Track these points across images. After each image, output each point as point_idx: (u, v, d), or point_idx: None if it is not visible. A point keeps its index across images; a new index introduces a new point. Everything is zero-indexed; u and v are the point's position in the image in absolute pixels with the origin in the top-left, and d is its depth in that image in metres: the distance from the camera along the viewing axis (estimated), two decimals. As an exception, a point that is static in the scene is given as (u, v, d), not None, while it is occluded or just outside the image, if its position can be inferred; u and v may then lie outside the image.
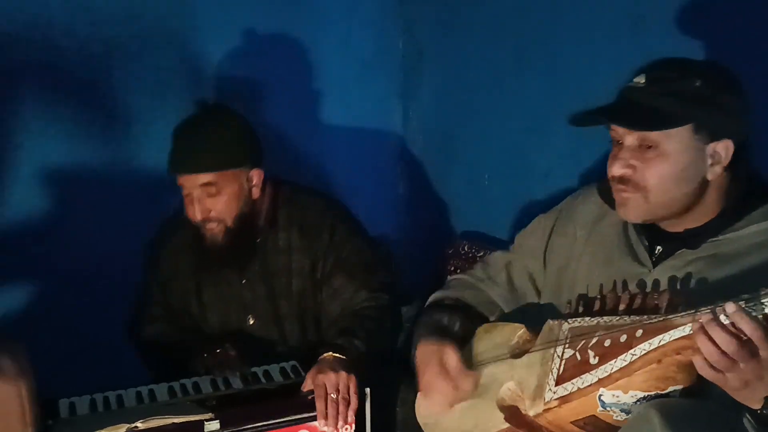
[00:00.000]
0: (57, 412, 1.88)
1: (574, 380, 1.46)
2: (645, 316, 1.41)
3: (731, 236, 1.50)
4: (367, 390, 1.95)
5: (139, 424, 1.77)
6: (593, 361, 1.43)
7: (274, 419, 1.86)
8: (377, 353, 2.07)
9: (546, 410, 1.49)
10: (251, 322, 2.24)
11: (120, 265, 2.51)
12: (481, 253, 2.63)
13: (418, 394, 1.81)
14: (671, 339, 1.34)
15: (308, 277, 2.22)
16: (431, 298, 1.92)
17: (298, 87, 2.95)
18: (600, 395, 1.41)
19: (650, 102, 1.48)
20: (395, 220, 3.19)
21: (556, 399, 1.48)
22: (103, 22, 2.60)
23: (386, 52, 3.06)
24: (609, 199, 1.63)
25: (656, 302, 1.41)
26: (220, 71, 2.78)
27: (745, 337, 1.24)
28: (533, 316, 1.71)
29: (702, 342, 1.27)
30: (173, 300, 2.27)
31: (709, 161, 1.48)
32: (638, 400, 1.39)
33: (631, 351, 1.38)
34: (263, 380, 2.02)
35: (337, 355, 1.98)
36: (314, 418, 1.89)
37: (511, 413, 1.59)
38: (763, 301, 1.25)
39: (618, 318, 1.45)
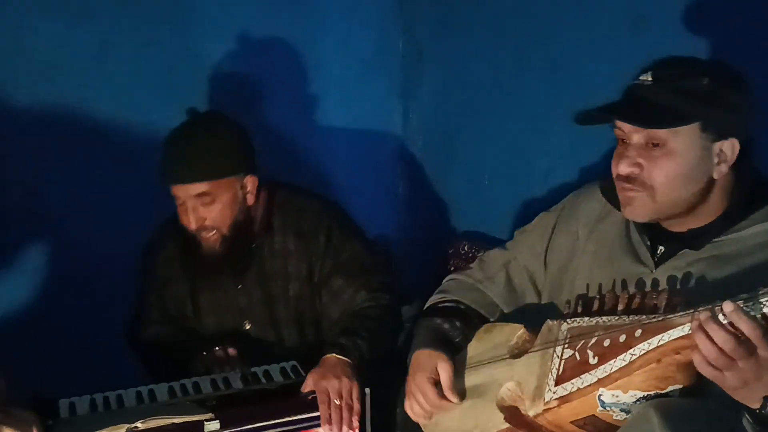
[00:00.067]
0: (57, 412, 1.87)
1: (573, 380, 1.45)
2: (644, 316, 1.41)
3: (734, 237, 1.50)
4: (367, 390, 1.95)
5: (139, 424, 1.77)
6: (593, 361, 1.43)
7: (274, 419, 1.86)
8: (379, 353, 2.07)
9: (546, 410, 1.49)
10: (247, 327, 2.24)
11: (120, 266, 2.51)
12: (481, 253, 2.63)
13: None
14: (670, 339, 1.34)
15: (305, 281, 2.21)
16: (429, 301, 1.91)
17: (298, 87, 2.95)
18: (600, 395, 1.41)
19: (658, 99, 1.47)
20: (395, 220, 3.19)
21: (555, 399, 1.48)
22: (102, 21, 2.60)
23: (386, 52, 3.06)
24: (612, 198, 1.63)
25: (655, 302, 1.41)
26: (220, 71, 2.78)
27: (743, 336, 1.24)
28: (533, 316, 1.71)
29: (700, 340, 1.27)
30: (169, 304, 2.27)
31: (716, 160, 1.48)
32: (638, 400, 1.39)
33: (631, 351, 1.38)
34: (263, 380, 2.01)
35: (341, 357, 1.97)
36: (316, 420, 1.89)
37: (511, 413, 1.59)
38: (761, 300, 1.25)
39: (617, 318, 1.45)
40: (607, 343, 1.42)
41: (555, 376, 1.50)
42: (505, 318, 1.82)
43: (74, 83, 2.61)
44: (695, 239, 1.53)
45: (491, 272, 1.87)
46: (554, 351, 1.52)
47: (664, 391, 1.37)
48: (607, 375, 1.40)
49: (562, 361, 1.50)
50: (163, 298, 2.27)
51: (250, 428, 1.84)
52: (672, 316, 1.36)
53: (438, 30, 2.90)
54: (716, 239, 1.51)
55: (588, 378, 1.43)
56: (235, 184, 2.11)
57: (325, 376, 1.92)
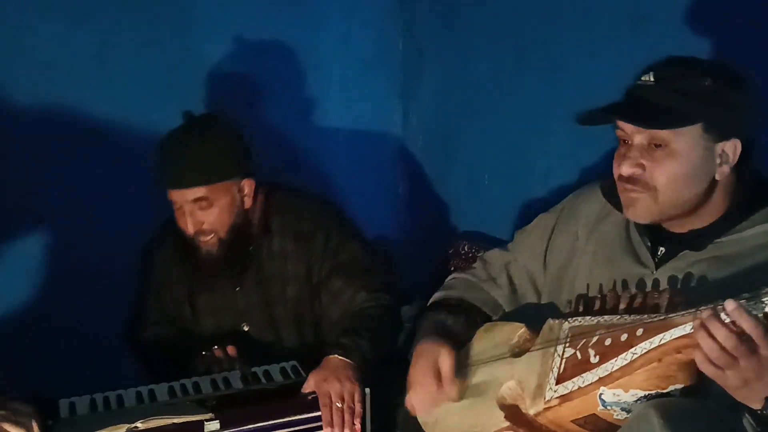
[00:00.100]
0: (57, 412, 1.87)
1: (574, 379, 1.45)
2: (645, 315, 1.41)
3: (734, 237, 1.50)
4: (367, 390, 1.95)
5: (139, 424, 1.77)
6: (594, 360, 1.43)
7: (274, 419, 1.86)
8: (380, 353, 2.06)
9: (546, 409, 1.49)
10: (246, 329, 2.23)
11: (120, 266, 2.51)
12: (481, 253, 2.62)
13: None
14: (672, 338, 1.33)
15: (304, 283, 2.21)
16: (433, 298, 1.91)
17: (298, 87, 2.95)
18: (600, 394, 1.41)
19: (661, 100, 1.47)
20: (395, 220, 3.19)
21: (556, 398, 1.48)
22: (102, 21, 2.60)
23: (386, 52, 3.06)
24: (613, 199, 1.63)
25: (657, 301, 1.41)
26: (220, 71, 2.78)
27: (745, 335, 1.24)
28: (533, 317, 1.70)
29: (702, 338, 1.27)
30: (168, 306, 2.27)
31: (718, 161, 1.48)
32: (639, 399, 1.38)
33: (632, 350, 1.38)
34: (263, 380, 2.01)
35: (343, 358, 1.97)
36: (316, 420, 1.89)
37: (512, 412, 1.58)
38: (763, 299, 1.25)
39: (618, 317, 1.45)
40: (608, 342, 1.42)
41: (556, 374, 1.49)
42: (506, 318, 1.82)
43: (74, 83, 2.61)
44: (696, 240, 1.53)
45: (494, 272, 1.87)
46: (555, 350, 1.52)
47: (665, 391, 1.37)
48: (608, 374, 1.40)
49: (563, 360, 1.50)
50: (162, 299, 2.27)
51: (250, 428, 1.84)
52: (674, 315, 1.36)
53: (438, 30, 2.90)
54: (717, 240, 1.51)
55: (589, 377, 1.43)
56: (233, 187, 2.11)
57: (327, 378, 1.92)
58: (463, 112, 2.84)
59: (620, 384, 1.39)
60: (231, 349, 2.10)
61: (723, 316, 1.26)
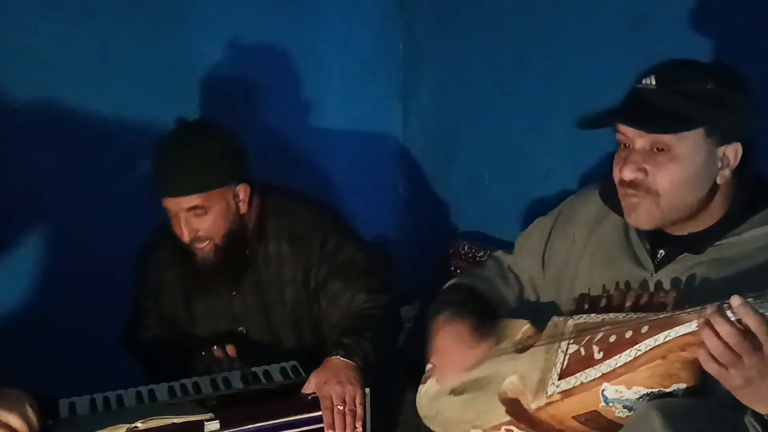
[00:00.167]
0: (57, 412, 1.87)
1: (577, 374, 1.46)
2: (651, 313, 1.41)
3: (734, 240, 1.50)
4: (367, 390, 1.95)
5: (139, 424, 1.77)
6: (597, 356, 1.43)
7: (274, 419, 1.86)
8: (381, 353, 2.06)
9: (548, 404, 1.50)
10: (243, 332, 2.23)
11: (120, 266, 2.50)
12: (481, 253, 2.63)
13: (421, 384, 1.83)
14: (677, 335, 1.34)
15: (301, 287, 2.20)
16: (447, 284, 1.91)
17: (298, 87, 2.95)
18: (603, 390, 1.41)
19: (664, 103, 1.46)
20: (395, 220, 3.19)
21: (558, 393, 1.48)
22: (102, 21, 2.60)
23: (386, 52, 3.06)
24: (611, 202, 1.62)
25: (663, 300, 1.41)
26: (219, 72, 2.78)
27: (749, 333, 1.25)
28: (533, 317, 1.70)
29: (706, 335, 1.27)
30: (165, 309, 2.26)
31: (719, 165, 1.47)
32: (641, 397, 1.39)
33: (636, 346, 1.38)
34: (263, 380, 2.01)
35: (345, 359, 1.97)
36: (316, 421, 1.89)
37: (513, 407, 1.58)
38: None
39: (624, 315, 1.45)
40: (613, 338, 1.42)
41: (559, 370, 1.50)
42: (510, 316, 1.81)
43: (74, 83, 2.60)
44: (696, 243, 1.52)
45: (502, 272, 1.88)
46: (559, 346, 1.53)
47: (668, 390, 1.37)
48: (612, 370, 1.40)
49: (567, 356, 1.50)
50: (159, 302, 2.26)
51: (250, 428, 1.84)
52: (679, 312, 1.36)
53: (438, 30, 2.90)
54: (717, 243, 1.51)
55: (592, 372, 1.43)
56: (228, 194, 2.09)
57: (328, 380, 1.92)
58: (463, 112, 2.84)
59: (623, 381, 1.39)
60: (230, 349, 2.10)
61: (729, 313, 1.26)
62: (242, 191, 2.12)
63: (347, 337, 2.03)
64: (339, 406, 1.88)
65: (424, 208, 3.10)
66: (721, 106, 1.45)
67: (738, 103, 1.46)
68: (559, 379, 1.49)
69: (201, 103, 2.75)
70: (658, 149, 1.47)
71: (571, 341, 1.51)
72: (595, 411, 1.44)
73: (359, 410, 1.91)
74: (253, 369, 2.05)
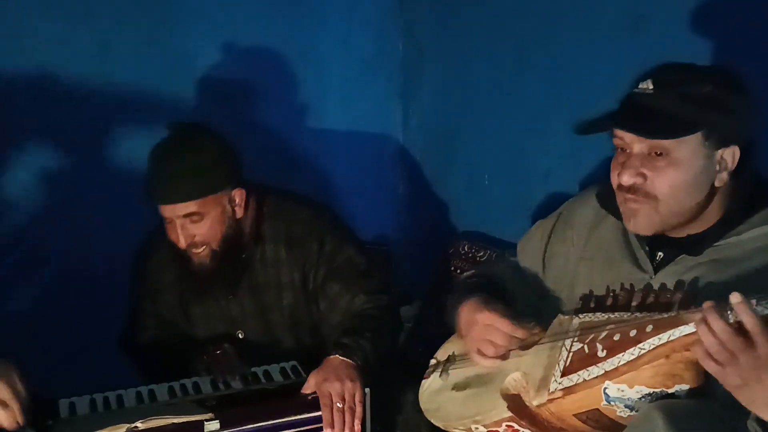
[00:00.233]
0: (57, 412, 1.87)
1: (580, 372, 1.46)
2: (656, 313, 1.41)
3: (733, 240, 1.50)
4: (367, 390, 1.95)
5: (139, 424, 1.77)
6: (601, 354, 1.43)
7: (274, 419, 1.86)
8: (381, 353, 2.06)
9: (550, 401, 1.50)
10: (240, 337, 2.22)
11: (120, 266, 2.50)
12: (481, 253, 2.64)
13: (424, 379, 1.83)
14: (681, 335, 1.34)
15: (299, 290, 2.19)
16: (468, 273, 1.92)
17: (298, 88, 2.95)
18: (605, 388, 1.41)
19: (662, 108, 1.45)
20: (395, 220, 3.19)
21: (560, 389, 1.48)
22: (103, 21, 2.60)
23: (386, 52, 3.07)
24: (609, 206, 1.62)
25: (669, 300, 1.42)
26: (219, 72, 2.78)
27: (744, 332, 1.25)
28: (535, 317, 1.70)
29: (702, 331, 1.28)
30: (162, 311, 2.26)
31: (717, 168, 1.47)
32: (643, 397, 1.39)
33: (640, 345, 1.38)
34: (263, 380, 2.01)
35: (344, 358, 1.97)
36: (315, 420, 1.89)
37: (515, 403, 1.59)
38: None
39: (629, 314, 1.46)
40: (617, 337, 1.42)
41: (562, 367, 1.50)
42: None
43: (74, 83, 2.60)
44: (694, 245, 1.52)
45: (515, 269, 1.88)
46: (563, 343, 1.53)
47: (670, 390, 1.38)
48: (615, 368, 1.40)
49: (571, 353, 1.50)
50: (157, 305, 2.26)
51: (250, 428, 1.84)
52: (684, 312, 1.36)
53: (438, 30, 2.90)
54: (715, 244, 1.51)
55: (595, 370, 1.43)
56: (223, 199, 2.08)
57: (327, 378, 1.91)
58: (463, 112, 2.85)
59: (625, 379, 1.39)
60: (230, 348, 2.10)
61: (728, 311, 1.26)
62: (238, 195, 2.10)
63: (346, 337, 2.03)
64: (338, 404, 1.88)
65: (424, 208, 3.10)
66: (718, 110, 1.44)
67: (736, 106, 1.46)
68: (562, 376, 1.49)
69: (201, 103, 2.76)
70: (656, 154, 1.46)
71: (576, 339, 1.51)
72: (597, 409, 1.44)
73: (358, 408, 1.90)
74: (253, 369, 2.05)
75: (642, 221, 1.51)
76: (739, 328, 1.26)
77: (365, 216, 2.86)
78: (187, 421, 1.80)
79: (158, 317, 2.26)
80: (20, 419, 1.64)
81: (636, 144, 1.48)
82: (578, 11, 2.28)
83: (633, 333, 1.40)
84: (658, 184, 1.47)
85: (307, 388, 1.93)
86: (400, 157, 3.16)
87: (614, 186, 1.54)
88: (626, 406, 1.41)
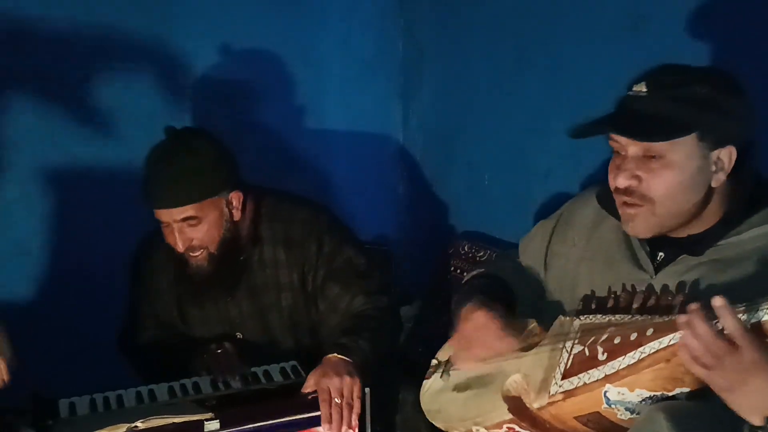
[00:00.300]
0: (57, 412, 1.87)
1: (580, 375, 1.46)
2: (657, 316, 1.41)
3: (733, 240, 1.50)
4: (367, 390, 1.95)
5: (139, 424, 1.77)
6: (601, 357, 1.43)
7: (274, 419, 1.86)
8: (380, 353, 2.06)
9: (550, 403, 1.50)
10: (239, 337, 2.22)
11: (120, 266, 2.50)
12: (481, 253, 2.64)
13: (425, 379, 1.83)
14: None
15: (299, 291, 2.18)
16: (473, 273, 1.91)
17: (299, 88, 2.95)
18: (605, 391, 1.41)
19: (655, 110, 1.45)
20: (395, 220, 3.19)
21: (561, 393, 1.48)
22: (102, 20, 2.60)
23: (386, 52, 3.06)
24: (609, 206, 1.62)
25: (670, 303, 1.42)
26: (219, 72, 2.78)
27: (726, 335, 1.25)
28: (537, 317, 1.70)
29: (685, 333, 1.28)
30: (160, 313, 2.26)
31: (713, 168, 1.47)
32: (644, 400, 1.39)
33: (641, 349, 1.38)
34: (263, 380, 2.01)
35: (342, 357, 1.97)
36: (315, 420, 1.89)
37: (515, 405, 1.59)
38: (762, 308, 1.26)
39: (630, 317, 1.45)
40: (617, 340, 1.42)
41: (562, 369, 1.50)
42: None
43: (74, 84, 2.61)
44: (695, 245, 1.52)
45: (519, 268, 1.87)
46: (564, 345, 1.53)
47: (670, 393, 1.38)
48: (615, 371, 1.40)
49: (571, 356, 1.50)
50: (154, 306, 2.26)
51: (250, 428, 1.84)
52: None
53: (438, 30, 2.90)
54: (716, 244, 1.51)
55: (595, 373, 1.43)
56: (221, 202, 2.07)
57: (326, 374, 1.92)
58: (463, 112, 2.84)
59: (626, 383, 1.39)
60: (230, 347, 2.10)
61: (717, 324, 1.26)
62: (235, 198, 2.10)
63: (345, 337, 2.03)
64: (336, 399, 1.88)
65: (424, 208, 3.10)
66: (712, 111, 1.44)
67: (731, 107, 1.45)
68: (563, 378, 1.49)
69: (200, 103, 2.76)
70: (650, 156, 1.46)
71: (576, 341, 1.51)
72: (597, 412, 1.44)
73: (356, 404, 1.90)
74: (253, 369, 2.05)
75: (640, 225, 1.52)
76: (720, 331, 1.26)
77: (365, 216, 2.86)
78: (187, 421, 1.80)
79: (157, 318, 2.26)
80: (5, 376, 1.64)
81: (630, 147, 1.49)
82: (578, 11, 2.28)
83: (634, 336, 1.40)
84: (654, 186, 1.47)
85: (307, 388, 1.93)
86: (400, 157, 3.16)
87: (612, 188, 1.54)
88: (627, 409, 1.41)
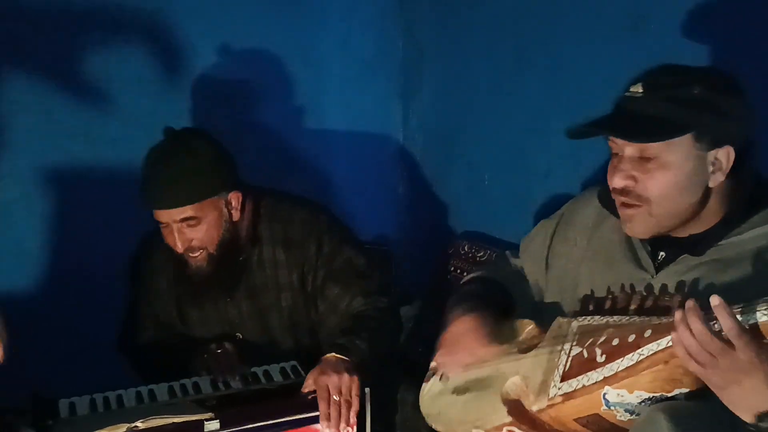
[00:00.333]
0: (57, 412, 1.87)
1: (579, 377, 1.46)
2: (655, 317, 1.41)
3: (734, 240, 1.50)
4: (367, 390, 1.95)
5: (139, 424, 1.77)
6: (600, 359, 1.43)
7: (274, 419, 1.85)
8: (379, 353, 2.06)
9: (549, 406, 1.50)
10: (239, 337, 2.22)
11: (120, 266, 2.50)
12: (481, 253, 2.64)
13: (424, 383, 1.82)
14: None
15: (298, 291, 2.18)
16: (470, 276, 1.92)
17: (298, 88, 2.95)
18: (605, 393, 1.41)
19: (650, 111, 1.45)
20: (395, 220, 3.19)
21: (560, 395, 1.48)
22: (103, 18, 2.60)
23: (386, 52, 3.06)
24: (610, 206, 1.62)
25: (667, 304, 1.42)
26: (219, 72, 2.78)
27: (722, 334, 1.26)
28: (537, 318, 1.71)
29: (681, 331, 1.28)
30: (159, 314, 2.26)
31: (710, 168, 1.47)
32: (643, 401, 1.39)
33: (639, 350, 1.38)
34: (263, 380, 2.01)
35: (340, 356, 1.97)
36: (315, 420, 1.89)
37: (515, 407, 1.59)
38: (758, 309, 1.26)
39: (628, 318, 1.45)
40: (616, 341, 1.43)
41: (561, 372, 1.50)
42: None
43: (74, 84, 2.60)
44: (696, 244, 1.52)
45: (517, 270, 1.88)
46: (562, 347, 1.53)
47: (670, 394, 1.38)
48: (614, 374, 1.40)
49: (570, 358, 1.50)
50: (154, 307, 2.26)
51: (250, 428, 1.84)
52: None
53: (438, 30, 2.90)
54: (717, 243, 1.51)
55: (594, 376, 1.43)
56: (220, 203, 2.07)
57: (324, 372, 1.92)
58: (463, 112, 2.85)
59: (625, 384, 1.39)
60: (230, 347, 2.10)
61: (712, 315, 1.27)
62: (234, 199, 2.10)
63: (344, 337, 2.03)
64: (334, 397, 1.88)
65: (424, 208, 3.10)
66: (708, 111, 1.44)
67: (727, 107, 1.45)
68: (561, 381, 1.49)
69: (201, 103, 2.76)
70: (647, 157, 1.47)
71: (574, 343, 1.51)
72: (597, 414, 1.44)
73: (355, 401, 1.90)
74: (253, 369, 2.05)
75: (638, 226, 1.52)
76: (715, 330, 1.26)
77: (365, 216, 2.86)
78: (187, 421, 1.80)
79: (157, 318, 2.26)
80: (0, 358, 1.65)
81: (627, 147, 1.49)
82: (578, 11, 2.28)
83: (632, 338, 1.40)
84: (650, 187, 1.48)
85: (306, 387, 1.93)
86: (400, 157, 3.16)
87: (610, 189, 1.55)
88: (626, 411, 1.41)
